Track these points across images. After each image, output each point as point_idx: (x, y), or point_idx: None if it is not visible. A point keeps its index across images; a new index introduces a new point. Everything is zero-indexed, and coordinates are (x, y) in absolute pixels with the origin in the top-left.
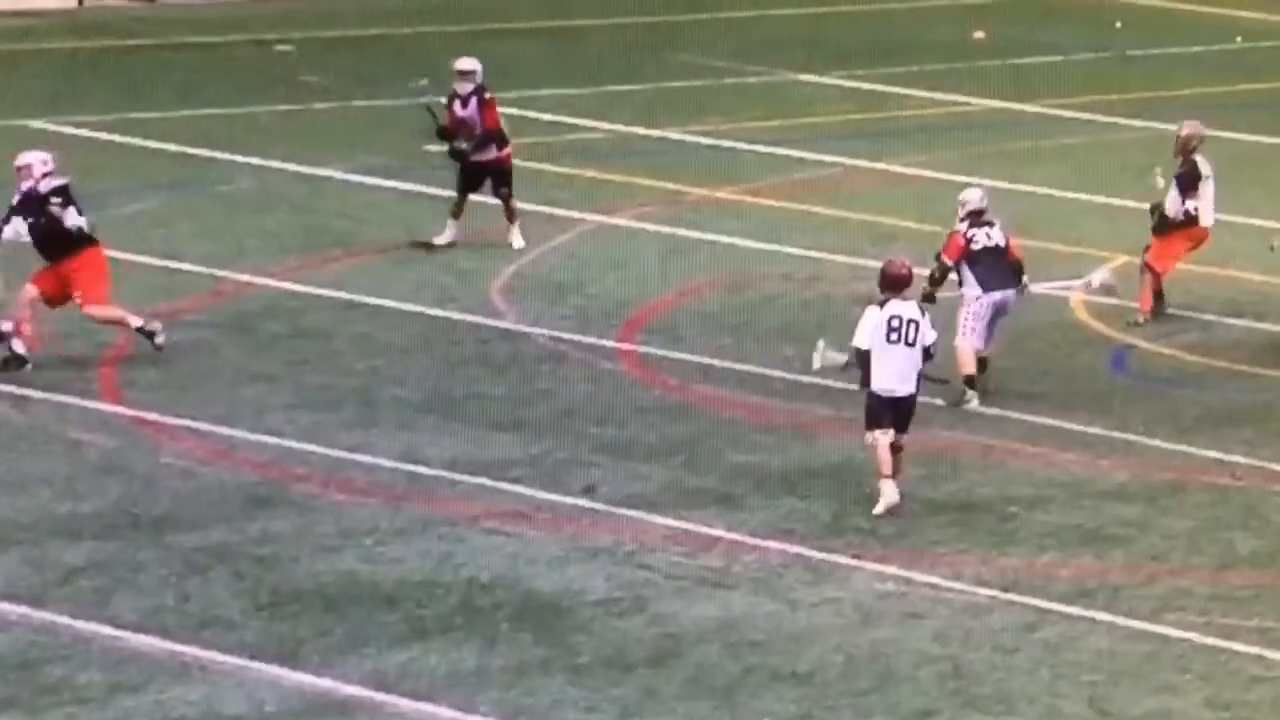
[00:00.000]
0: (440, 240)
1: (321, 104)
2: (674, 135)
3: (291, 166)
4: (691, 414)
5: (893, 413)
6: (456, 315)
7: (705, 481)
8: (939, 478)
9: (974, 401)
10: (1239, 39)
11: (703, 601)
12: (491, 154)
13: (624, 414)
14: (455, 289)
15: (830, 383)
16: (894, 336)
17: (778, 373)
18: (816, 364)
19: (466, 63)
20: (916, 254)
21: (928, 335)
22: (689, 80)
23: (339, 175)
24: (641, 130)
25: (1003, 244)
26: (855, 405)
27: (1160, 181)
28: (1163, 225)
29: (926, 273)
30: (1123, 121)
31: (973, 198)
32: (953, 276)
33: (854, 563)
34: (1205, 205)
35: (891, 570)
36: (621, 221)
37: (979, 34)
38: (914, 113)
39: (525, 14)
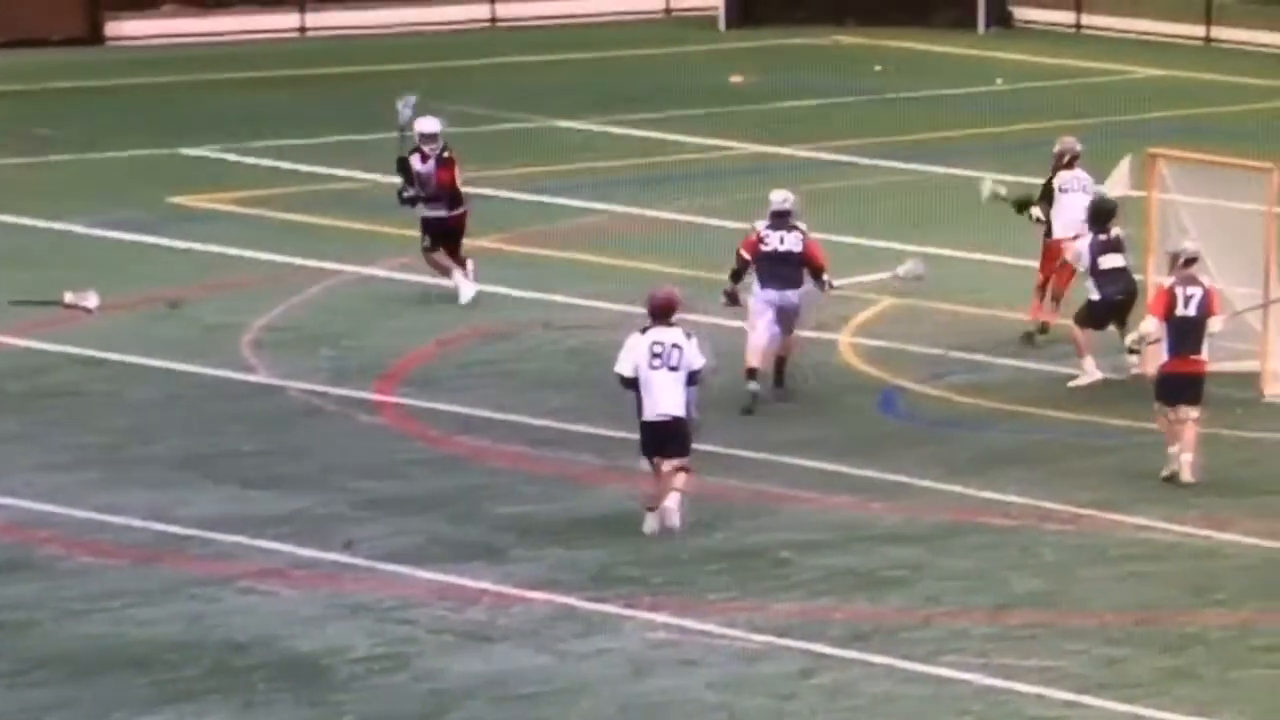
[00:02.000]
0: (464, 300)
1: (58, 156)
2: None
3: (28, 220)
4: (455, 466)
5: (662, 439)
6: (206, 370)
7: (469, 534)
8: (710, 525)
9: (754, 387)
10: (999, 81)
11: (469, 656)
12: (444, 212)
13: (385, 467)
14: (204, 344)
15: (598, 430)
16: (657, 362)
17: (542, 422)
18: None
19: (430, 124)
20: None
21: (693, 360)
22: (449, 128)
23: (80, 229)
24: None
25: (795, 250)
26: (622, 453)
27: (987, 191)
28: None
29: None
30: (884, 164)
31: (775, 199)
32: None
33: (625, 612)
34: (1064, 219)
35: (664, 619)
36: (379, 272)
37: (737, 78)
38: (678, 158)
39: (276, 63)
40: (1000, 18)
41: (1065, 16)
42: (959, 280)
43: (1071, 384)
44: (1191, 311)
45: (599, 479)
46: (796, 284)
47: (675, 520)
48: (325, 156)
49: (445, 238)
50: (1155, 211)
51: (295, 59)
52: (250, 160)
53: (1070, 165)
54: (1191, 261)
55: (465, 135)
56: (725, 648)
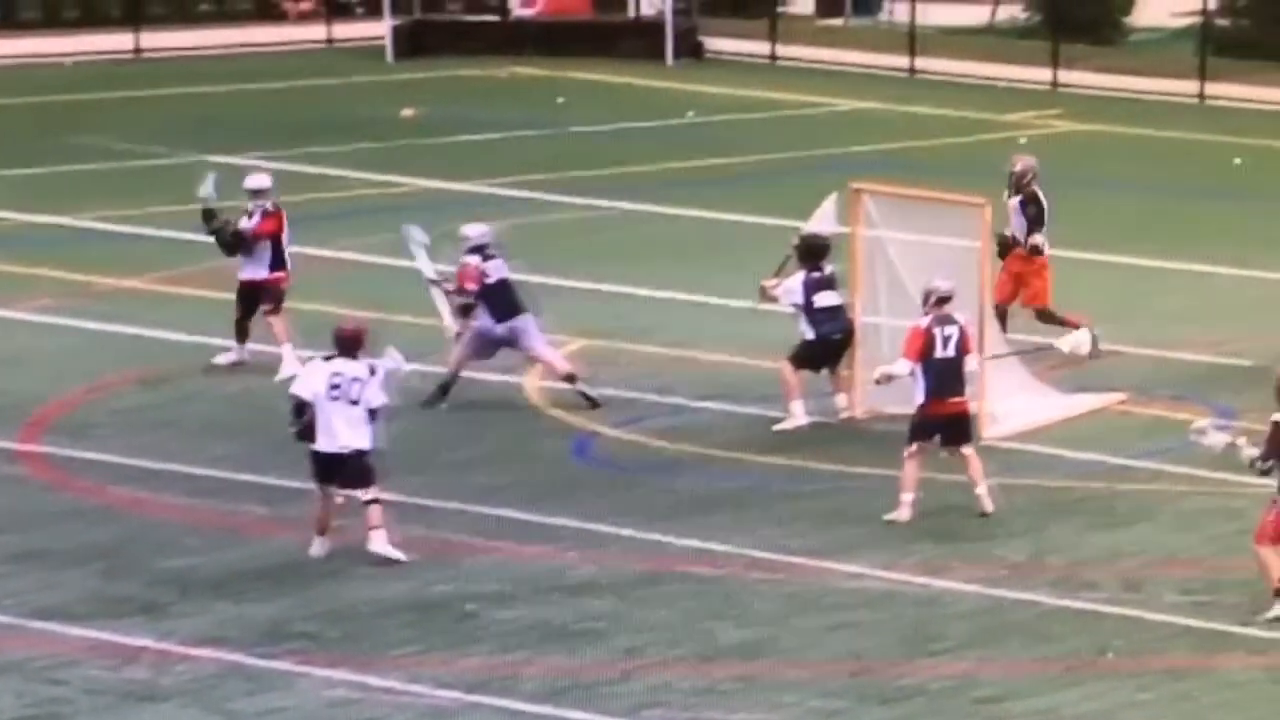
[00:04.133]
0: (222, 360)
1: None
2: (76, 222)
3: None
4: (111, 517)
5: (335, 470)
6: None
7: (128, 589)
8: (390, 575)
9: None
10: (692, 113)
11: (129, 717)
12: (263, 274)
13: (32, 520)
14: None
15: (264, 479)
16: (335, 393)
17: (205, 471)
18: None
19: (259, 180)
20: None
21: (373, 397)
22: (90, 164)
23: None
24: (39, 217)
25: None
26: (290, 503)
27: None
28: (1003, 253)
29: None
30: (569, 200)
31: (473, 232)
32: None
33: (299, 669)
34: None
35: (342, 675)
36: (19, 315)
37: (408, 111)
38: (343, 194)
39: None
40: (690, 49)
41: (759, 47)
42: (653, 321)
43: (777, 427)
44: (951, 352)
45: (266, 530)
46: (524, 309)
47: (388, 551)
48: None
49: (269, 296)
50: (860, 248)
51: None
52: None
53: (1031, 184)
54: (945, 300)
55: (105, 172)
56: (410, 705)
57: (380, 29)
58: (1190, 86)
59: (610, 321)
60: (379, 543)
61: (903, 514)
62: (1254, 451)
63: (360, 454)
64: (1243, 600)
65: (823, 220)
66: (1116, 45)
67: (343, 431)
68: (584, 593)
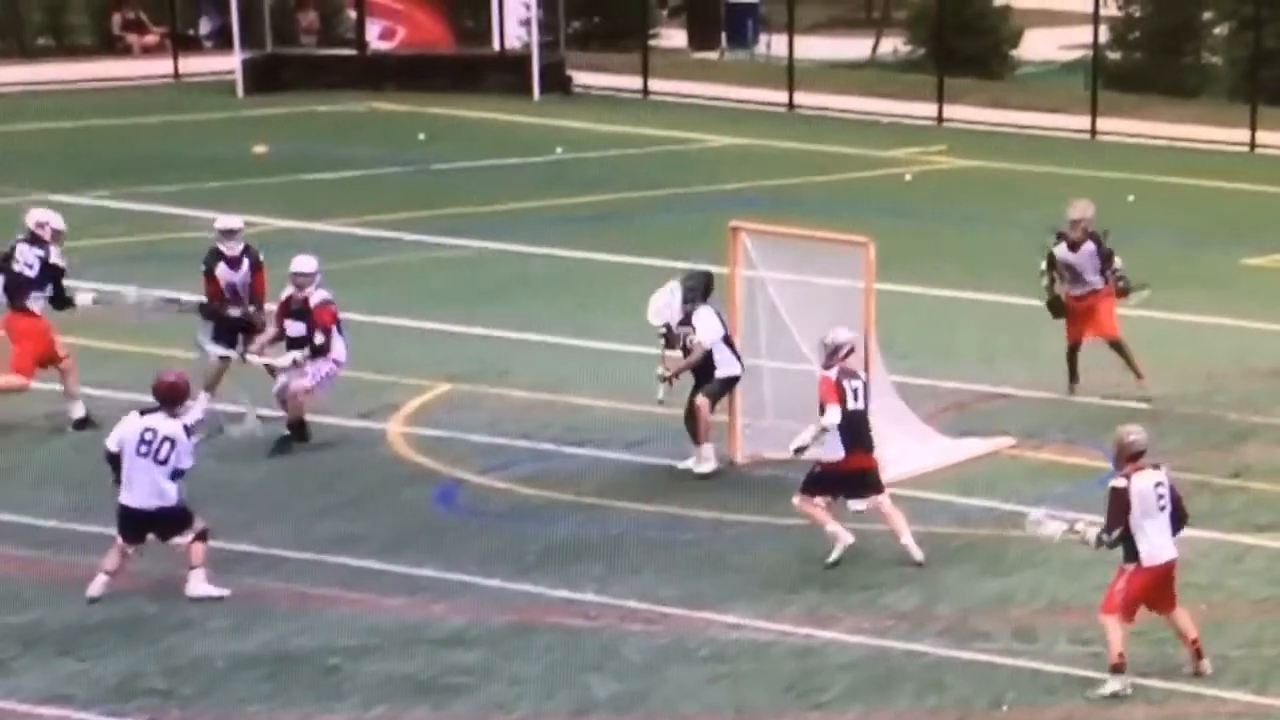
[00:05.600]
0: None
1: None
2: None
3: None
4: None
5: (139, 525)
6: None
7: None
8: (247, 628)
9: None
10: (560, 149)
11: None
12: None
13: None
14: None
15: (111, 530)
16: (144, 449)
17: (48, 522)
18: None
19: (231, 220)
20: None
21: (183, 459)
22: None
23: None
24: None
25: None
26: (147, 558)
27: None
28: (1056, 307)
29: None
30: (430, 239)
31: (308, 268)
32: None
33: None
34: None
35: None
36: None
37: (260, 148)
38: (195, 235)
39: None
40: (558, 83)
41: (631, 81)
42: (518, 363)
43: (699, 470)
44: (861, 404)
45: (113, 582)
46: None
47: (207, 591)
48: None
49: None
50: (739, 288)
51: None
52: None
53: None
54: (851, 351)
55: None
56: None
57: (230, 63)
58: (1081, 121)
59: (473, 364)
60: (197, 584)
61: (846, 540)
62: (1094, 530)
63: (164, 510)
64: (1139, 650)
65: (662, 311)
66: (1004, 79)
67: (144, 489)
68: (451, 645)
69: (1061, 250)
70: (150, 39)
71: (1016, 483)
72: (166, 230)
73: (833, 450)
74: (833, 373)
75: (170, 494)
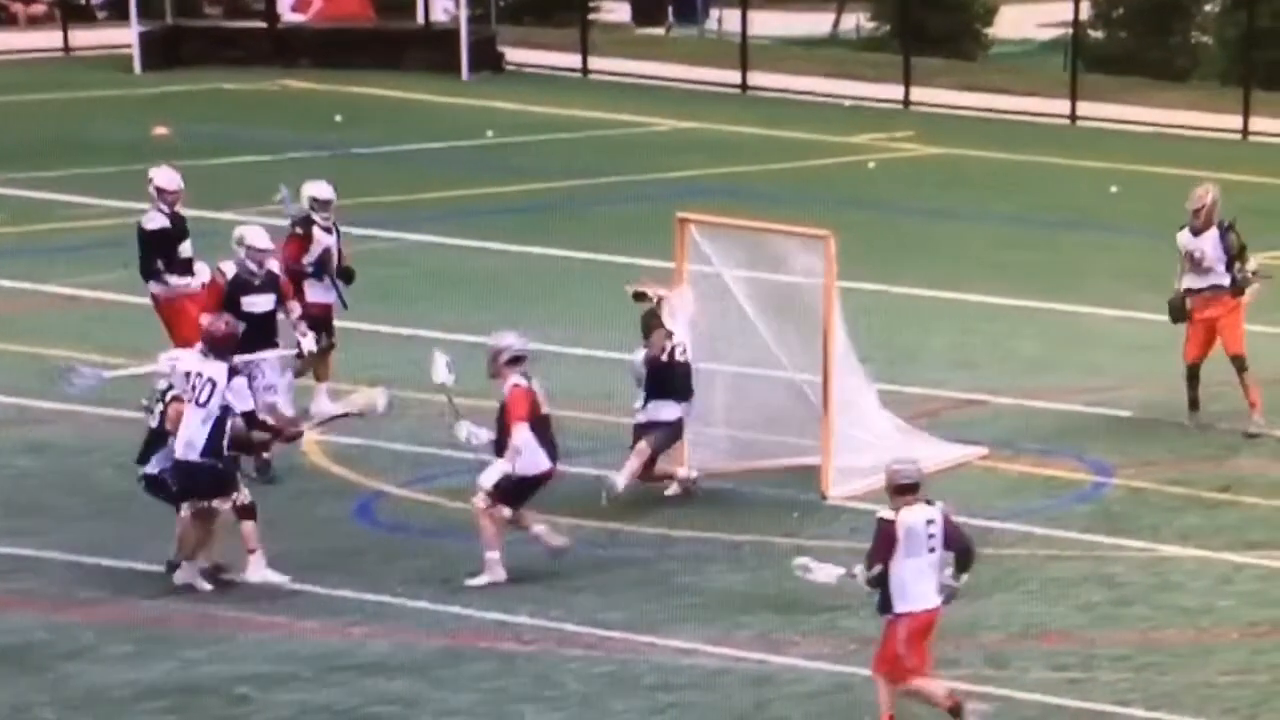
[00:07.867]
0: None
1: None
2: None
3: None
4: None
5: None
6: None
7: None
8: (148, 655)
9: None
10: (491, 133)
11: None
12: (334, 297)
13: None
14: None
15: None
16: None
17: None
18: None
19: (327, 190)
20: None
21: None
22: None
23: None
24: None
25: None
26: (35, 577)
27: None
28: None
29: None
30: (347, 230)
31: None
32: None
33: None
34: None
35: None
36: None
37: (161, 130)
38: (82, 224)
39: None
40: (489, 60)
41: (569, 59)
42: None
43: (668, 492)
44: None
45: (2, 605)
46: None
47: (260, 574)
48: None
49: (327, 326)
50: (686, 285)
51: None
52: None
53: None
54: (519, 360)
55: None
56: None
57: (126, 36)
58: (1060, 105)
59: (399, 368)
60: (257, 568)
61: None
62: (860, 569)
63: (191, 464)
64: (1121, 677)
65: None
66: (976, 59)
67: (181, 436)
68: (374, 673)
69: (1184, 236)
70: (37, 8)
71: (988, 496)
72: (49, 220)
73: (535, 463)
74: (520, 381)
75: (197, 444)
